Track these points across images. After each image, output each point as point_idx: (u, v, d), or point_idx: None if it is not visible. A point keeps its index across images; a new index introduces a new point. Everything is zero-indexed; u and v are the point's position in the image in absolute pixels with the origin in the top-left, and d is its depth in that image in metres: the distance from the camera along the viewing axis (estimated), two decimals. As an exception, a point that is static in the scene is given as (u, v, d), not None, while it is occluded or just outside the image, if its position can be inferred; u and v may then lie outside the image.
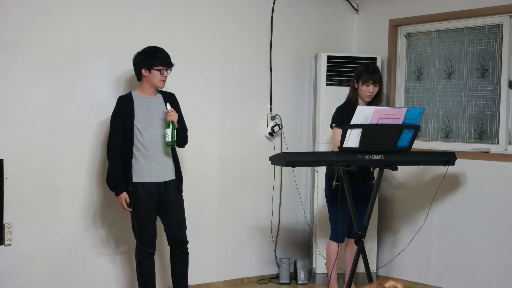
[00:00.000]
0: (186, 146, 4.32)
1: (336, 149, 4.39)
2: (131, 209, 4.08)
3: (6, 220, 4.04)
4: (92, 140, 4.43)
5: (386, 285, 2.19)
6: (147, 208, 4.11)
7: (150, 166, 4.09)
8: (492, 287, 4.80)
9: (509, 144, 4.86)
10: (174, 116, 4.07)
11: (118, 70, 4.49)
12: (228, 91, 5.10)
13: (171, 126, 4.05)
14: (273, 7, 5.29)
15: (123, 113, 4.08)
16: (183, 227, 4.26)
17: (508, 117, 4.85)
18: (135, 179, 4.08)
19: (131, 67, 4.18)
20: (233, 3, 5.11)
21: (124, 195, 4.06)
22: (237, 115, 5.17)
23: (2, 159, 4.00)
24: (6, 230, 4.06)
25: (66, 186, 4.35)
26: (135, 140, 4.07)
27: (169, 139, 4.05)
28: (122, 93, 4.32)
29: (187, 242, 4.27)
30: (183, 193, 4.27)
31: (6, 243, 4.07)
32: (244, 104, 5.20)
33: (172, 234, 4.24)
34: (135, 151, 4.08)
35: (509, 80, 4.82)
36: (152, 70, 4.07)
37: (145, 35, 4.52)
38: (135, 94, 4.16)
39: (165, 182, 4.15)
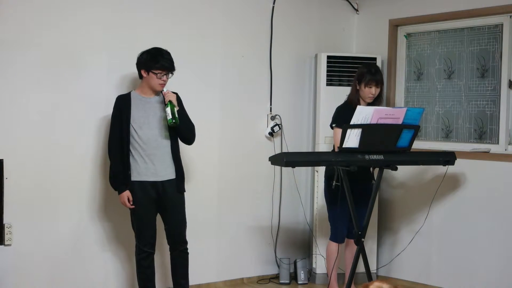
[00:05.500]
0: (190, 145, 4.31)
1: (337, 149, 4.39)
2: (133, 206, 4.08)
3: (6, 220, 4.04)
4: (92, 140, 4.43)
5: (371, 286, 2.19)
6: (145, 208, 4.11)
7: (146, 165, 4.09)
8: (492, 287, 4.80)
9: (509, 144, 4.86)
10: (172, 96, 4.07)
11: (117, 70, 4.49)
12: (228, 91, 5.10)
13: (169, 105, 4.03)
14: (273, 7, 5.29)
15: (120, 113, 4.09)
16: (183, 227, 4.26)
17: (508, 117, 4.85)
18: (133, 178, 4.09)
19: (131, 67, 4.18)
20: (233, 3, 5.11)
21: (127, 193, 4.07)
22: (237, 115, 5.17)
23: (2, 159, 4.00)
24: (6, 230, 4.06)
25: (66, 186, 4.34)
26: (131, 139, 4.08)
27: (170, 116, 4.01)
28: (122, 92, 4.32)
29: (186, 243, 4.26)
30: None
31: (6, 243, 4.07)
32: (244, 104, 5.20)
33: (171, 234, 4.24)
34: (132, 150, 4.09)
35: (509, 80, 4.82)
36: (151, 73, 4.07)
37: (145, 35, 4.52)
38: (134, 94, 4.16)
39: (162, 182, 4.13)
